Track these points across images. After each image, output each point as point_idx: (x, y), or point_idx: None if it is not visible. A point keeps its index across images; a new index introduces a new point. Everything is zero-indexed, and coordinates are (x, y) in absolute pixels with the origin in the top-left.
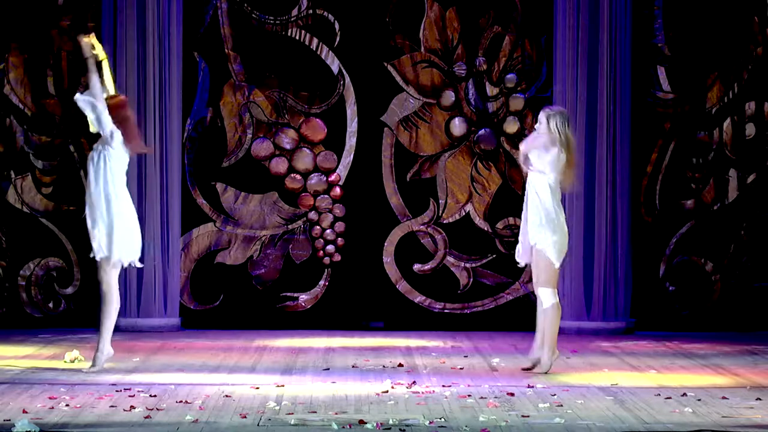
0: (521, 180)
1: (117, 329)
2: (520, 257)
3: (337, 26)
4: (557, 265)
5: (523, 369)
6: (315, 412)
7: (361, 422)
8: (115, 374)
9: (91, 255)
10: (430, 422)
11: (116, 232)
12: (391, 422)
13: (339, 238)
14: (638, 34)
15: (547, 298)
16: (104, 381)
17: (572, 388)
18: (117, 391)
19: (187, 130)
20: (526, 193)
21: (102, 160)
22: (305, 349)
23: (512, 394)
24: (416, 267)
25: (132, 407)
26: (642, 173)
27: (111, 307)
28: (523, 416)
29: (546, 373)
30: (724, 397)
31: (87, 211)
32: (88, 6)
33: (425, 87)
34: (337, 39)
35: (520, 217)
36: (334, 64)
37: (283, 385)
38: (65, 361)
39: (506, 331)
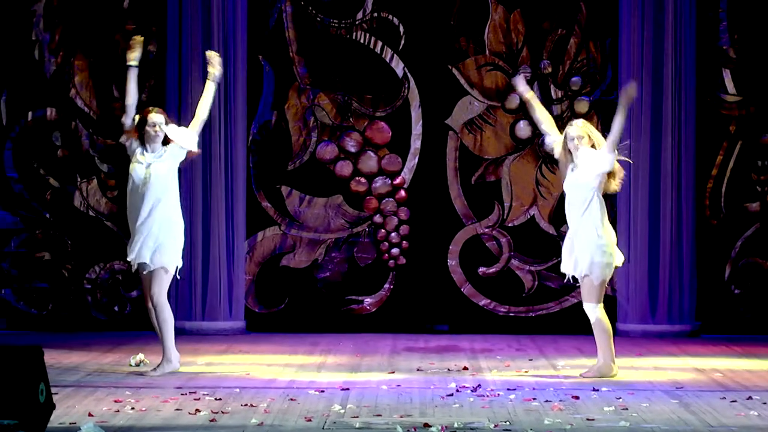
0: None
1: (182, 332)
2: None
3: (401, 29)
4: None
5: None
6: (380, 415)
7: (426, 425)
8: (180, 377)
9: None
10: (495, 425)
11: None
12: (455, 425)
13: (404, 241)
14: (703, 36)
15: (591, 312)
16: (169, 384)
17: (637, 391)
18: (182, 394)
19: (252, 133)
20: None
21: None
22: (370, 352)
23: (577, 398)
24: (481, 270)
25: (197, 410)
26: (707, 176)
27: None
28: (587, 419)
29: (599, 377)
30: None
31: (163, 224)
32: (153, 10)
33: (490, 90)
34: (402, 42)
35: None
36: (399, 67)
37: (347, 389)
38: (130, 364)
39: (571, 335)
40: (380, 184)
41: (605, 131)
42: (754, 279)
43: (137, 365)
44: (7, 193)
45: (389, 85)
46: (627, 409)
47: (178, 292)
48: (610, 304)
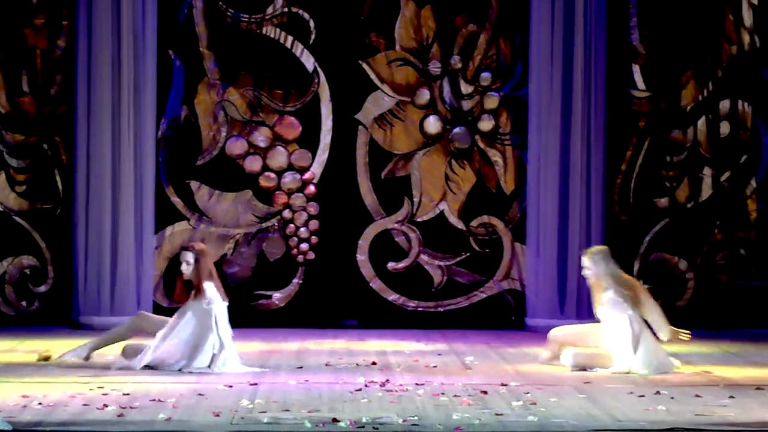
0: (495, 178)
1: (91, 327)
2: None
3: (312, 24)
4: None
5: None
6: (288, 410)
7: (335, 420)
8: (88, 373)
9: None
10: (404, 420)
11: None
12: (364, 420)
13: (313, 237)
14: (613, 32)
15: None
16: (77, 380)
17: (546, 386)
18: (90, 389)
19: (162, 128)
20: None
21: None
22: (278, 347)
23: (486, 393)
24: (390, 265)
25: (105, 406)
26: (616, 171)
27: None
28: (496, 414)
29: None
30: (697, 395)
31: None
32: (62, 3)
33: (400, 85)
34: (312, 37)
35: (494, 215)
36: (309, 62)
37: (256, 384)
38: (38, 359)
39: (480, 329)
40: (290, 179)
41: (515, 126)
42: (662, 274)
43: (44, 360)
44: None
45: (299, 80)
46: (535, 404)
47: (86, 287)
48: (518, 299)
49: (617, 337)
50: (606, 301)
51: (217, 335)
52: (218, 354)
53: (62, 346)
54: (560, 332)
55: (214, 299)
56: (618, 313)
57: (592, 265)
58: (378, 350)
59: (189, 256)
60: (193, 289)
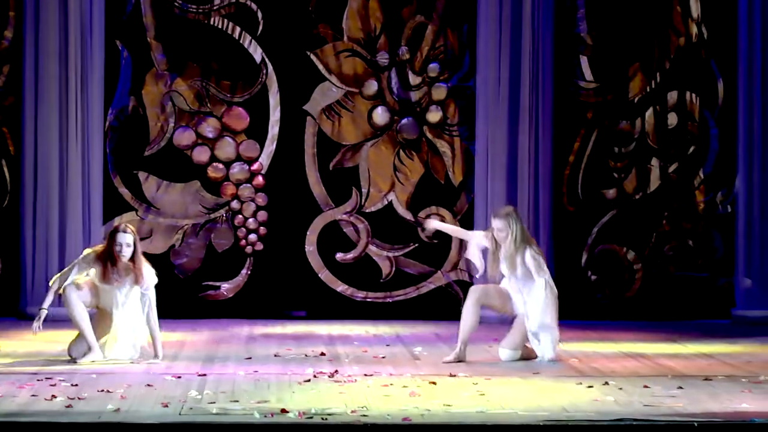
0: (443, 169)
1: None
2: None
3: (259, 15)
4: None
5: None
6: (237, 401)
7: (283, 411)
8: (36, 363)
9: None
10: (352, 411)
11: None
12: (313, 411)
13: (261, 227)
14: (561, 23)
15: None
16: (25, 370)
17: (494, 377)
18: (38, 380)
19: (109, 119)
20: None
21: None
22: (227, 338)
23: (434, 383)
24: (339, 256)
25: (53, 396)
26: (564, 163)
27: None
28: (445, 405)
29: None
30: (645, 386)
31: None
32: None
33: (348, 76)
34: (260, 28)
35: (442, 206)
36: (257, 53)
37: (204, 375)
38: None
39: (428, 320)
40: (238, 170)
41: (463, 117)
42: (610, 265)
43: None
44: None
45: (247, 71)
46: (484, 394)
47: (34, 277)
48: (466, 289)
49: (536, 299)
50: (527, 261)
51: (152, 321)
52: (157, 341)
53: (9, 337)
54: (481, 290)
55: (153, 283)
56: (538, 275)
57: (506, 226)
58: (326, 341)
59: (129, 239)
60: (121, 270)
